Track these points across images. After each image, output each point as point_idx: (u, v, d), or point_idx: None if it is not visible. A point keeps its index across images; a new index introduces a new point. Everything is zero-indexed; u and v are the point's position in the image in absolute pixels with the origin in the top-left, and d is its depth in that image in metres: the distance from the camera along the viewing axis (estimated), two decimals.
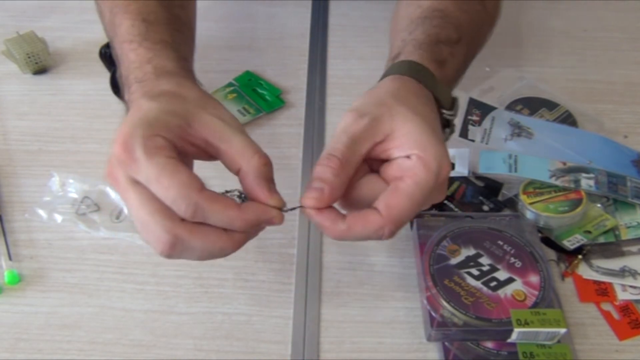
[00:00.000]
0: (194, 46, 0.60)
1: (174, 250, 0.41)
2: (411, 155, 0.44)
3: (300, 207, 0.44)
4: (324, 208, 0.43)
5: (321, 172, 0.43)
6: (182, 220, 0.40)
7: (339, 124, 0.46)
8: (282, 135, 0.71)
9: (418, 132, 0.44)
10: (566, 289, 0.57)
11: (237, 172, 0.44)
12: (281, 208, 0.44)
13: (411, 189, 0.43)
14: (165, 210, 0.40)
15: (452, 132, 0.55)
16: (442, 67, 0.53)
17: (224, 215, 0.41)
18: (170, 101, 0.44)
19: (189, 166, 0.45)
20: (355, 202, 0.45)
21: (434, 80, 0.51)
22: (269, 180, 0.44)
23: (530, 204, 0.60)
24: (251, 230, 0.44)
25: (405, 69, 0.51)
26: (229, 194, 0.65)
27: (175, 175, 0.40)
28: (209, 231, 0.41)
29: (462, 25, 0.58)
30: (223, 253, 0.43)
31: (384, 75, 0.52)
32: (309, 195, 0.43)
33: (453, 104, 0.54)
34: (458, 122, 0.68)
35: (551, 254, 0.59)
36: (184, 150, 0.44)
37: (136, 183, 0.41)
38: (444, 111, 0.52)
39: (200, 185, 0.41)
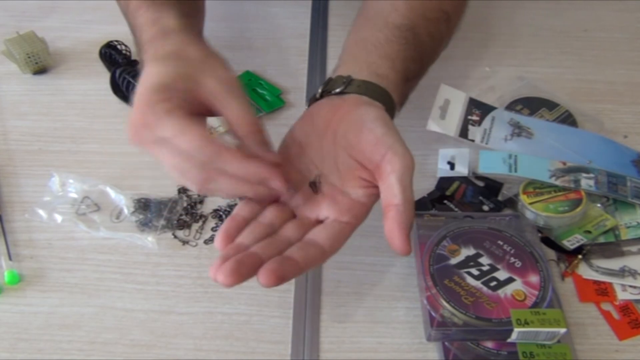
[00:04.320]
0: (199, 6, 0.62)
1: (209, 185, 0.47)
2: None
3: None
4: None
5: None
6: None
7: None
8: (282, 135, 0.71)
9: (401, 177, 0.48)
10: (566, 288, 0.57)
11: (236, 135, 0.48)
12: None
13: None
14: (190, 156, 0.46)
15: None
16: (400, 108, 0.57)
17: (233, 163, 0.45)
18: (176, 64, 0.48)
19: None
20: None
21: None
22: (259, 143, 0.47)
23: (530, 204, 0.60)
24: (258, 187, 0.47)
25: (394, 107, 0.53)
26: None
27: (194, 128, 0.45)
28: (231, 177, 0.46)
29: (425, 54, 0.60)
30: (247, 193, 0.48)
31: (369, 89, 0.53)
32: None
33: None
34: (458, 122, 0.68)
35: (551, 253, 0.59)
36: (194, 110, 0.47)
37: (163, 140, 0.46)
38: None
39: (212, 138, 0.45)
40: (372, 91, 0.52)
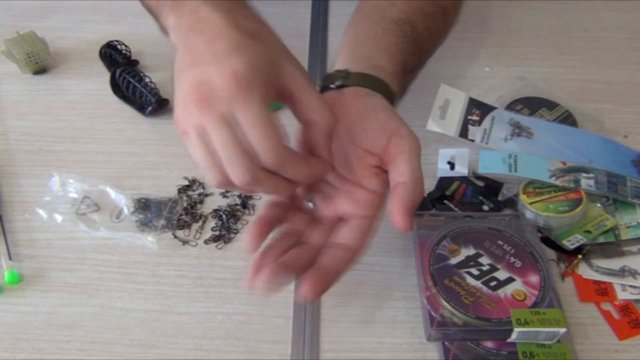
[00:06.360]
0: None
1: (250, 187, 0.44)
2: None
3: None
4: None
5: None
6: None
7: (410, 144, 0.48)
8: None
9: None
10: (566, 288, 0.57)
11: (305, 122, 0.47)
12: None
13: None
14: (249, 153, 0.42)
15: None
16: (400, 98, 0.57)
17: (298, 170, 0.44)
18: (263, 46, 0.45)
19: None
20: None
21: None
22: (330, 137, 0.47)
23: (530, 203, 0.60)
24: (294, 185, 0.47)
25: (393, 98, 0.53)
26: (228, 193, 0.65)
27: (274, 127, 0.42)
28: (278, 179, 0.44)
29: (423, 47, 0.60)
30: (284, 193, 0.48)
31: (367, 81, 0.52)
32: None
33: None
34: (458, 122, 0.68)
35: (551, 253, 0.59)
36: (271, 97, 0.45)
37: (228, 122, 0.41)
38: None
39: (284, 140, 0.43)
40: (370, 83, 0.52)
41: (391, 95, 0.53)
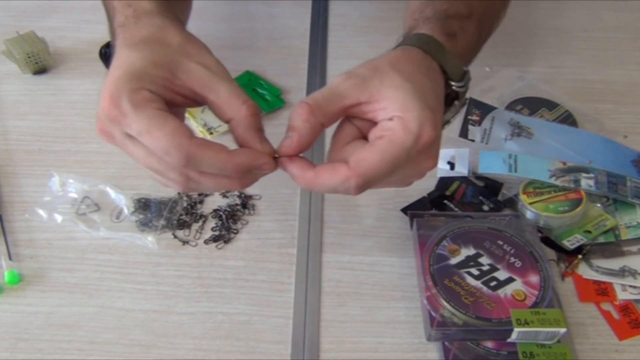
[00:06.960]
0: None
1: (189, 187, 0.44)
2: (393, 117, 0.44)
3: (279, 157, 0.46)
4: (296, 157, 0.45)
5: (292, 119, 0.44)
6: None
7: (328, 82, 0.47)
8: (282, 135, 0.71)
9: (403, 96, 0.44)
10: (566, 288, 0.57)
11: (227, 121, 0.45)
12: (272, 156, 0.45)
13: (384, 146, 0.43)
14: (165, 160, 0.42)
15: (463, 104, 0.55)
16: (453, 39, 0.53)
17: (216, 159, 0.42)
18: (153, 50, 0.44)
19: (180, 116, 0.48)
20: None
21: (443, 51, 0.51)
22: (258, 129, 0.45)
23: (530, 203, 0.60)
24: (246, 177, 0.45)
25: (413, 41, 0.51)
26: (228, 193, 0.65)
27: (165, 126, 0.41)
28: (215, 176, 0.44)
29: (471, 0, 0.57)
30: (231, 188, 0.46)
31: (402, 39, 0.52)
32: (282, 144, 0.45)
33: (463, 76, 0.52)
34: (458, 121, 0.68)
35: (551, 253, 0.59)
36: (172, 100, 0.44)
37: (132, 137, 0.42)
38: (453, 83, 0.52)
39: (190, 134, 0.41)
40: (399, 44, 0.51)
41: (420, 38, 0.50)
